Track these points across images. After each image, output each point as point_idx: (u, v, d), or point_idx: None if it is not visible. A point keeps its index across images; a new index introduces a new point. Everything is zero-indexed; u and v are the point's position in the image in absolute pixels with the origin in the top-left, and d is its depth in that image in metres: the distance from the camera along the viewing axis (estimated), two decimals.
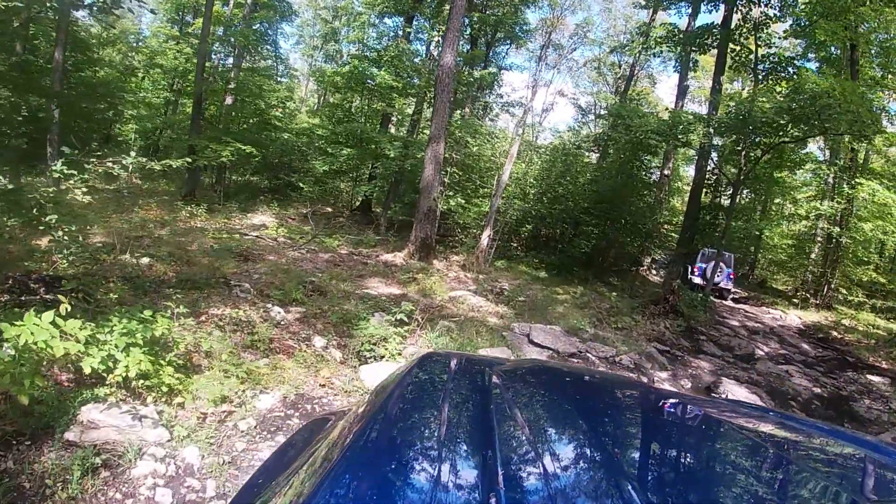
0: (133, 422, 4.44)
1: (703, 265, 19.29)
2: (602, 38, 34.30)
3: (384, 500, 1.13)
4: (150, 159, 6.18)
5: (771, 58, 18.62)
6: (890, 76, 21.55)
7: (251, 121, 23.22)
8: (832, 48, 20.94)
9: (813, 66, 21.02)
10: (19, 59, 15.95)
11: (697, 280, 19.09)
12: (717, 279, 18.31)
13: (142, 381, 4.74)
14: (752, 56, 18.64)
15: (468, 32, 24.99)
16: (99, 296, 6.53)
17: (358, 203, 23.91)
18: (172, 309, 5.91)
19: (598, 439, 1.55)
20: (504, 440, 1.40)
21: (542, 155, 24.60)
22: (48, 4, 9.16)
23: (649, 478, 1.39)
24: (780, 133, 15.01)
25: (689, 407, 2.18)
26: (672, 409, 2.12)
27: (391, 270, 13.26)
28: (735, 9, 18.61)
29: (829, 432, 1.97)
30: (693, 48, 19.81)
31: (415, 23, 23.92)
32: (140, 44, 28.38)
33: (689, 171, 35.44)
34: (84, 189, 5.62)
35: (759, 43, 18.24)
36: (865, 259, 22.36)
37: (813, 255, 24.01)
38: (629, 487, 1.17)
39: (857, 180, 20.09)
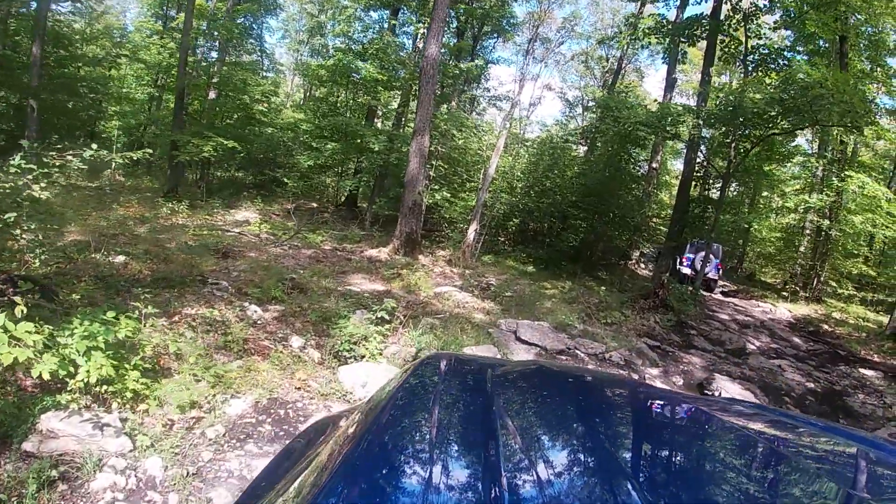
0: (94, 431, 4.18)
1: (692, 255, 19.26)
2: (590, 32, 34.12)
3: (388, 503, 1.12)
4: (114, 152, 5.85)
5: (761, 49, 18.47)
6: (878, 69, 21.47)
7: (235, 116, 22.91)
8: (820, 41, 20.87)
9: (802, 59, 20.85)
10: None
11: (686, 270, 19.03)
12: (706, 269, 18.17)
13: (105, 387, 4.47)
14: (741, 47, 18.49)
15: (454, 25, 24.77)
16: (67, 296, 6.24)
17: (343, 198, 23.60)
18: (140, 309, 5.62)
19: (601, 441, 1.54)
20: (507, 442, 1.40)
21: (529, 148, 24.42)
22: None
23: (654, 479, 1.37)
24: (771, 125, 14.87)
25: (689, 407, 2.13)
26: (674, 410, 2.11)
27: (375, 266, 12.99)
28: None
29: (827, 429, 1.97)
30: (682, 39, 19.60)
31: (400, 15, 23.59)
32: (123, 39, 27.87)
33: (676, 165, 35.45)
34: (44, 184, 5.28)
35: (749, 34, 18.07)
36: (855, 252, 22.28)
37: (802, 248, 23.94)
38: (633, 489, 1.17)
39: (846, 173, 20.00)
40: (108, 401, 4.53)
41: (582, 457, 1.46)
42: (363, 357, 6.49)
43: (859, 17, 19.23)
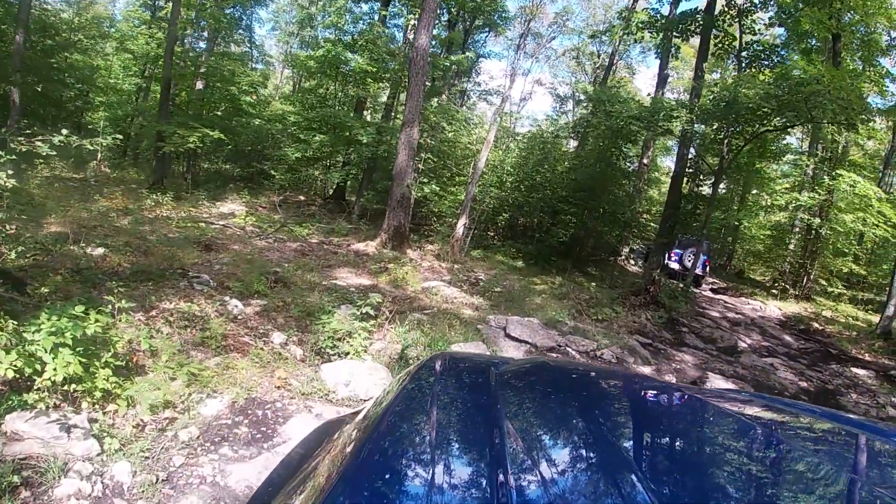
0: (60, 433, 3.93)
1: (680, 251, 19.26)
2: (581, 28, 34.04)
3: None
4: (81, 138, 5.57)
5: (755, 45, 18.38)
6: (871, 69, 21.42)
7: (222, 107, 22.60)
8: (812, 40, 20.84)
9: (797, 56, 20.80)
10: None
11: (674, 265, 19.04)
12: (695, 265, 18.17)
13: (73, 386, 4.23)
14: (735, 43, 18.39)
15: (446, 19, 24.58)
16: (35, 289, 5.96)
17: (332, 191, 23.35)
18: (113, 303, 5.36)
19: (609, 437, 1.54)
20: (514, 441, 1.37)
21: (519, 143, 24.25)
22: None
23: (664, 475, 1.36)
24: (765, 121, 14.75)
25: (695, 399, 2.14)
26: (684, 404, 2.09)
27: (362, 260, 12.74)
28: None
29: (829, 416, 2.00)
30: (675, 34, 19.48)
31: (391, 7, 23.34)
32: (112, 29, 27.48)
33: (665, 162, 35.51)
34: (10, 172, 5.00)
35: (744, 30, 17.99)
36: (845, 250, 22.25)
37: (791, 246, 23.92)
38: (644, 487, 1.14)
39: (837, 171, 19.98)
40: (78, 400, 4.29)
41: (590, 453, 1.44)
42: (347, 354, 6.22)
43: (853, 15, 19.24)
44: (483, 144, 18.32)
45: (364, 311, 6.96)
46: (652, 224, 23.72)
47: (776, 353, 12.33)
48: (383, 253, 13.66)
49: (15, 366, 3.84)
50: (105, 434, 4.05)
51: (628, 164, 23.47)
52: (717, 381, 8.82)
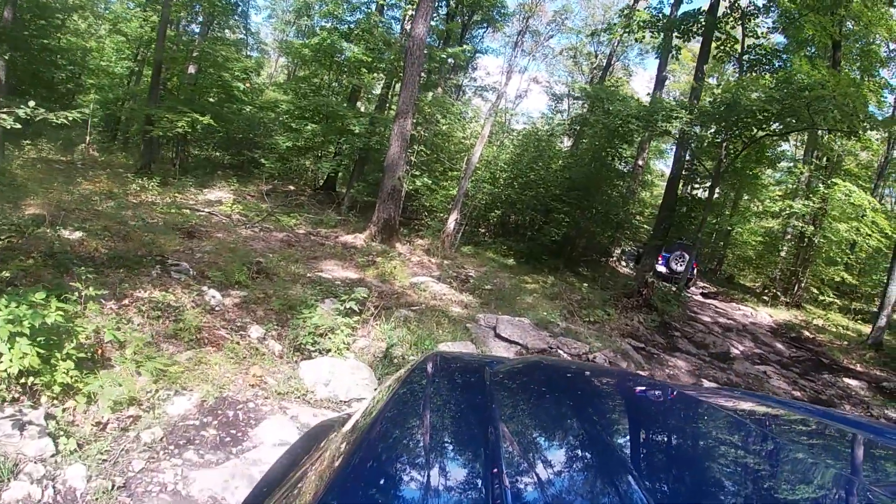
0: (13, 430, 3.63)
1: (667, 254, 19.23)
2: (580, 27, 33.82)
3: None
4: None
5: (757, 49, 18.20)
6: (869, 80, 21.32)
7: (213, 92, 22.19)
8: (811, 49, 20.75)
9: (803, 57, 20.70)
10: None
11: (661, 269, 18.98)
12: (680, 268, 18.36)
13: (31, 379, 3.93)
14: (737, 46, 18.21)
15: (444, 12, 24.26)
16: (1, 273, 5.63)
17: (322, 182, 23.03)
18: (80, 291, 5.04)
19: (606, 437, 1.52)
20: (510, 441, 1.34)
21: (514, 140, 23.99)
22: None
23: (664, 477, 1.32)
24: (764, 126, 14.56)
25: (690, 398, 2.10)
26: (682, 403, 2.05)
27: (350, 253, 12.43)
28: None
29: (827, 415, 2.02)
30: (677, 34, 19.26)
31: None
32: (106, 11, 26.99)
33: (659, 165, 35.43)
34: None
35: (747, 33, 17.83)
36: (837, 259, 22.13)
37: (783, 253, 23.81)
38: (642, 488, 1.12)
39: (833, 180, 19.87)
40: (38, 394, 3.99)
41: (588, 453, 1.41)
42: (328, 351, 5.88)
43: (853, 26, 19.16)
44: (477, 139, 18.06)
45: (348, 307, 6.63)
46: (645, 226, 23.52)
47: (769, 360, 12.16)
48: (372, 246, 13.38)
49: None
50: (62, 433, 3.76)
51: (623, 164, 23.27)
52: None
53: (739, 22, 17.78)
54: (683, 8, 20.26)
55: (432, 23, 19.08)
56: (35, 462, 3.48)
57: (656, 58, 23.57)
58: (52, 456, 3.57)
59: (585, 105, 25.17)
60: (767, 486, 1.32)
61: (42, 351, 3.92)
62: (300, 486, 1.33)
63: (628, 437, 1.62)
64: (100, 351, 4.72)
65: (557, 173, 20.34)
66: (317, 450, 1.63)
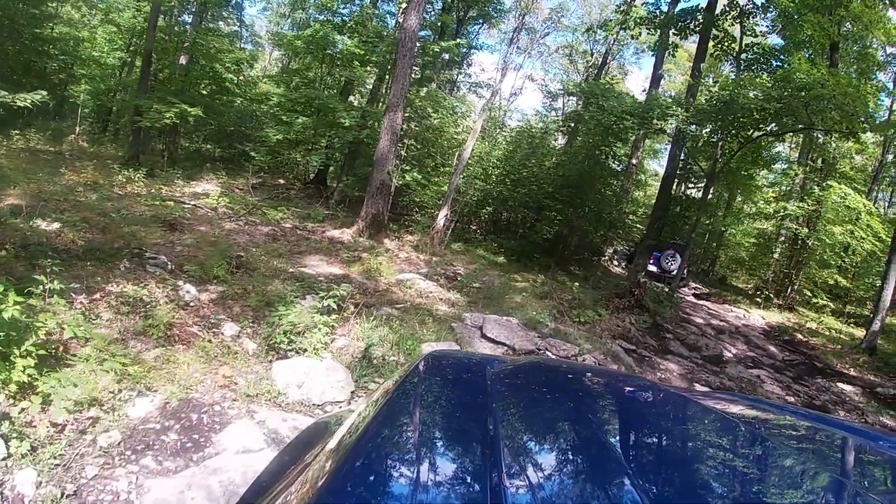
0: None
1: (658, 254, 19.16)
2: (576, 25, 33.69)
3: None
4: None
5: (755, 48, 18.03)
6: (866, 82, 21.23)
7: (205, 83, 21.91)
8: (808, 51, 20.62)
9: (801, 57, 20.60)
10: None
11: (652, 268, 18.92)
12: (671, 267, 18.35)
13: None
14: (734, 45, 18.03)
15: (440, 6, 24.02)
16: None
17: (312, 176, 22.71)
18: (44, 284, 4.75)
19: (606, 438, 1.51)
20: (510, 441, 1.35)
21: (507, 136, 23.75)
22: None
23: (663, 478, 1.33)
24: (761, 126, 14.37)
25: (689, 401, 2.11)
26: (681, 406, 2.06)
27: (336, 248, 12.13)
28: None
29: (821, 420, 2.06)
30: (674, 32, 19.07)
31: None
32: (99, 1, 26.66)
33: (652, 165, 35.32)
34: None
35: (746, 31, 17.66)
36: (831, 262, 22.01)
37: (776, 255, 23.68)
38: (643, 491, 1.13)
39: (828, 182, 19.74)
40: None
41: (587, 454, 1.40)
42: (304, 351, 5.59)
43: (852, 26, 19.04)
44: (469, 135, 17.79)
45: (326, 304, 6.31)
46: (638, 225, 23.32)
47: (762, 364, 11.97)
48: (359, 241, 13.10)
49: None
50: (15, 435, 3.48)
51: (617, 163, 23.07)
52: None
53: (737, 20, 17.61)
54: (681, 5, 20.15)
55: (427, 17, 18.84)
56: None
57: (652, 55, 23.38)
58: (3, 459, 3.31)
59: (580, 102, 24.95)
60: (763, 489, 1.32)
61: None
62: (297, 485, 1.30)
63: (629, 439, 1.61)
64: (61, 348, 4.44)
65: (550, 171, 20.09)
66: (313, 449, 1.61)
